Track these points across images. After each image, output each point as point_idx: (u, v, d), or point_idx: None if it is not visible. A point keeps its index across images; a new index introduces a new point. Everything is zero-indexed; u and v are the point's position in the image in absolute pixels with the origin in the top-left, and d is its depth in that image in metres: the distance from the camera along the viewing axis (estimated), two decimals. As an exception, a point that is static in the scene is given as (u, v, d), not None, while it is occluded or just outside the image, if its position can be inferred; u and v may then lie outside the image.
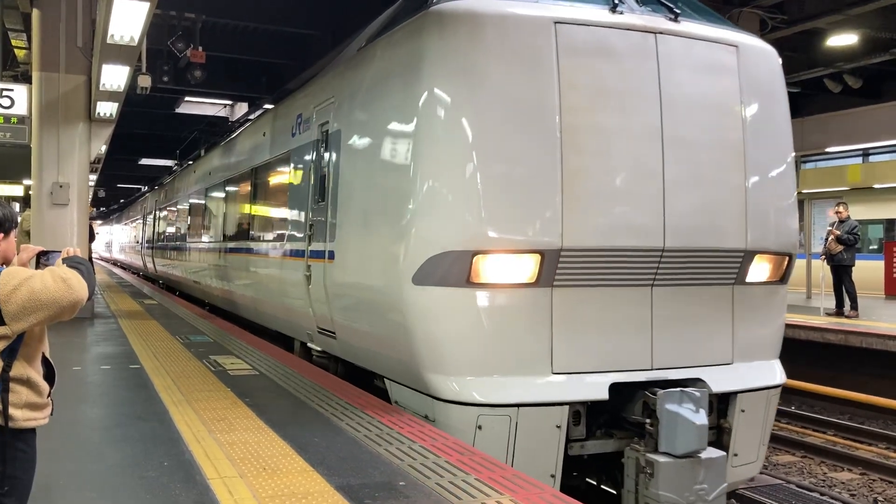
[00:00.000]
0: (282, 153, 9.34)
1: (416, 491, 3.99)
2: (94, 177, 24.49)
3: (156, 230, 23.25)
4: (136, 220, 30.50)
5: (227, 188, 13.11)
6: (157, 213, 23.20)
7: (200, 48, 14.14)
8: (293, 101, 9.56)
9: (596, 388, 5.50)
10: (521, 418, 5.35)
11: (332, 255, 6.96)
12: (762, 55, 6.28)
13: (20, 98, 12.35)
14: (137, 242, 29.30)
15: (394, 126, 6.05)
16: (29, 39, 14.00)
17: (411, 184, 5.60)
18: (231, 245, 12.18)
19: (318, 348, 7.92)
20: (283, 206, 9.25)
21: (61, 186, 11.74)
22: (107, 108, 11.74)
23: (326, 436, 5.07)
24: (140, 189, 43.83)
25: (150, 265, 24.61)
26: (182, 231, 18.01)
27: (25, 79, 14.50)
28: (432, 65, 5.62)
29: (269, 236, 10.01)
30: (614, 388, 5.52)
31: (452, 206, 5.46)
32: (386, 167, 6.12)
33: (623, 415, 5.73)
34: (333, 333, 7.09)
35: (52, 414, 2.75)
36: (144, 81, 11.66)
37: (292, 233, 8.57)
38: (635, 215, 5.58)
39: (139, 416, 5.57)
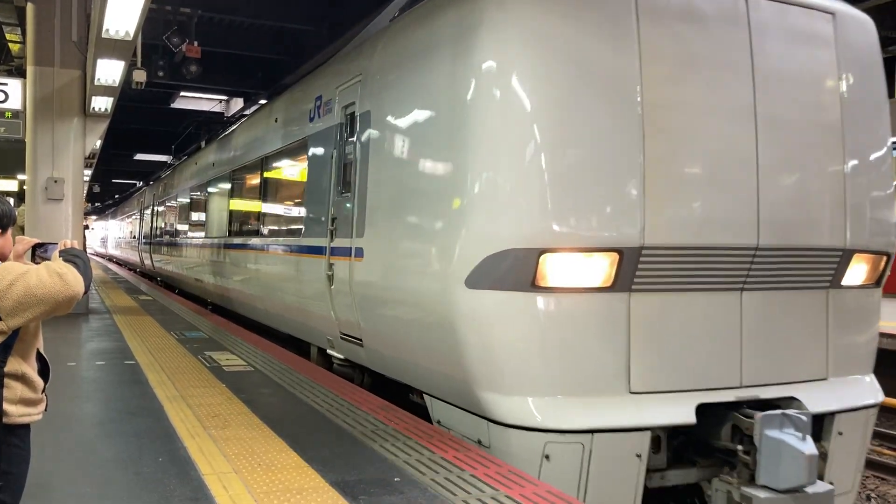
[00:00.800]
0: (297, 140, 8.46)
1: (410, 486, 3.99)
2: (88, 172, 24.47)
3: (154, 225, 22.25)
4: (133, 214, 29.69)
5: (233, 180, 12.11)
6: (156, 207, 22.17)
7: (196, 43, 14.10)
8: (311, 82, 8.59)
9: (681, 411, 4.72)
10: (595, 446, 4.56)
11: (359, 253, 6.21)
12: (860, 25, 5.56)
13: (14, 92, 12.33)
14: (134, 238, 28.50)
15: (439, 104, 5.25)
16: (23, 33, 13.95)
17: (464, 171, 4.84)
18: (237, 241, 11.31)
19: (340, 356, 7.16)
20: (299, 198, 8.47)
21: (56, 181, 11.71)
22: (102, 103, 11.72)
23: (322, 432, 5.06)
24: (135, 184, 43.74)
25: (147, 261, 23.64)
26: (182, 226, 17.04)
27: (20, 73, 14.45)
28: (490, 30, 4.79)
29: (283, 232, 9.23)
30: (698, 409, 4.78)
31: (515, 196, 4.65)
32: (429, 152, 5.35)
33: (708, 440, 4.98)
34: (360, 340, 6.35)
35: (46, 409, 2.74)
36: (140, 76, 11.63)
37: (311, 228, 7.69)
38: (726, 207, 4.85)
39: (134, 412, 5.56)
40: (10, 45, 16.82)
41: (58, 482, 4.02)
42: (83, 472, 4.22)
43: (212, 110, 23.41)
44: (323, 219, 7.22)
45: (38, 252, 2.78)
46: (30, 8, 11.63)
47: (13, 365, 2.54)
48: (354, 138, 6.60)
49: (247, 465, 4.27)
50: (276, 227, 9.72)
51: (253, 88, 19.44)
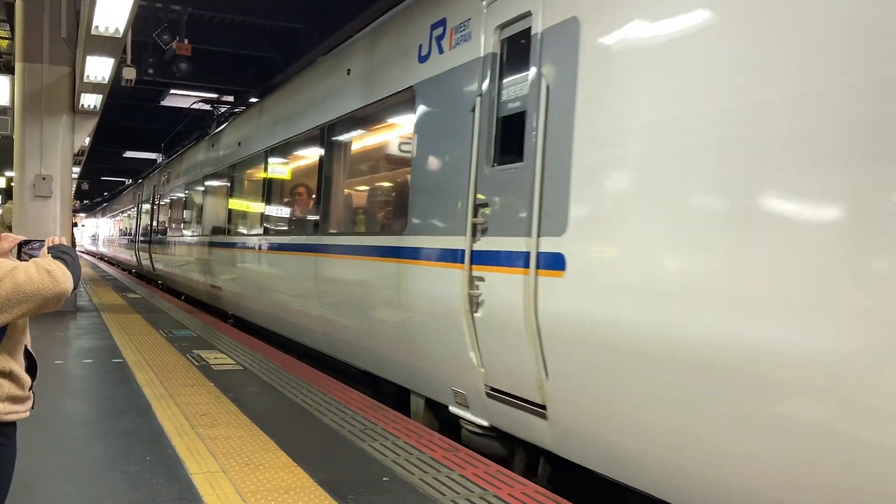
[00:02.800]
0: (393, 94, 6.02)
1: (399, 486, 3.99)
2: (77, 169, 24.35)
3: (156, 221, 19.65)
4: (129, 210, 27.18)
5: (270, 162, 9.63)
6: (158, 200, 19.50)
7: (186, 41, 14.06)
8: (422, 5, 5.88)
9: None
10: None
11: (554, 263, 3.91)
12: None
13: (2, 89, 12.28)
14: (129, 235, 26.29)
15: None
16: (12, 30, 13.86)
17: None
18: (278, 240, 8.95)
19: (483, 422, 4.84)
20: (397, 177, 6.32)
21: (44, 179, 11.66)
22: (91, 100, 11.67)
23: (310, 431, 5.06)
24: (124, 182, 43.50)
25: (145, 262, 21.07)
26: (195, 221, 14.45)
27: (8, 69, 14.36)
28: None
29: (361, 227, 6.95)
30: None
31: None
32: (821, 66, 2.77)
33: None
34: (541, 407, 4.15)
35: (33, 407, 2.73)
36: (129, 74, 11.57)
37: (424, 221, 5.35)
38: None
39: (122, 411, 5.54)
40: (-2, 41, 16.71)
41: (44, 481, 3.99)
42: (70, 471, 4.20)
43: (202, 108, 23.30)
44: (454, 206, 4.91)
45: (25, 249, 2.75)
46: (19, 4, 11.56)
47: (0, 362, 2.53)
48: (531, 73, 4.26)
49: (235, 465, 4.26)
50: (348, 221, 7.30)
51: (243, 86, 19.41)
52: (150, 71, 14.97)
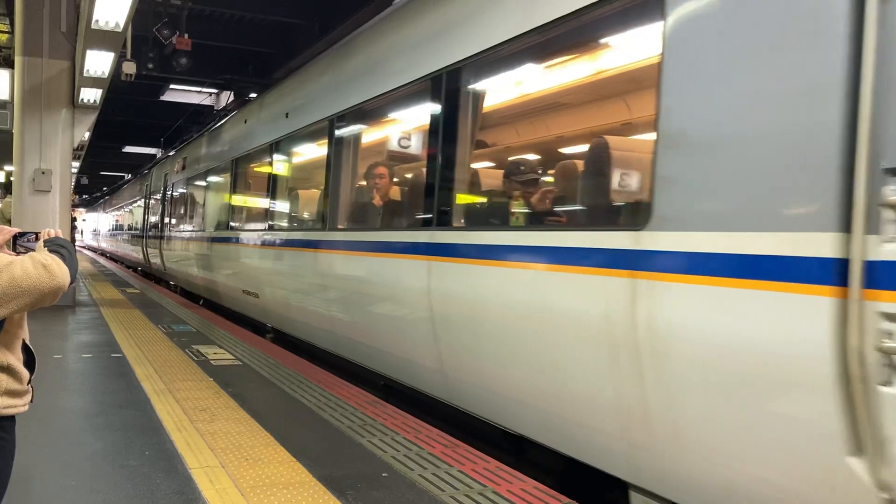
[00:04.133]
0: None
1: (398, 482, 3.99)
2: (76, 164, 24.32)
3: (168, 213, 17.48)
4: (136, 202, 24.90)
5: (339, 132, 7.14)
6: (171, 190, 17.24)
7: (186, 35, 14.03)
8: None
9: None
10: None
11: None
12: None
13: (2, 83, 12.27)
14: (134, 230, 24.29)
15: None
16: (12, 23, 13.84)
17: None
18: (357, 237, 6.51)
19: None
20: (608, 134, 4.64)
21: (43, 173, 11.65)
22: (91, 95, 11.66)
23: (310, 426, 5.06)
24: (123, 177, 43.43)
25: (155, 259, 18.76)
26: (220, 213, 12.11)
27: (8, 63, 14.35)
28: None
29: (520, 219, 4.85)
30: None
31: None
32: None
33: None
34: None
35: (32, 401, 2.72)
36: (129, 68, 11.56)
37: (699, 205, 3.14)
38: None
39: (120, 405, 5.53)
40: (-2, 34, 16.69)
41: (43, 475, 3.99)
42: (68, 465, 4.20)
43: (201, 103, 23.29)
44: (793, 177, 2.76)
45: (21, 241, 2.73)
46: (18, -2, 11.56)
47: (-2, 356, 2.52)
48: None
49: (234, 460, 4.26)
50: (490, 210, 5.25)
51: (243, 82, 19.40)
52: (150, 66, 14.96)
